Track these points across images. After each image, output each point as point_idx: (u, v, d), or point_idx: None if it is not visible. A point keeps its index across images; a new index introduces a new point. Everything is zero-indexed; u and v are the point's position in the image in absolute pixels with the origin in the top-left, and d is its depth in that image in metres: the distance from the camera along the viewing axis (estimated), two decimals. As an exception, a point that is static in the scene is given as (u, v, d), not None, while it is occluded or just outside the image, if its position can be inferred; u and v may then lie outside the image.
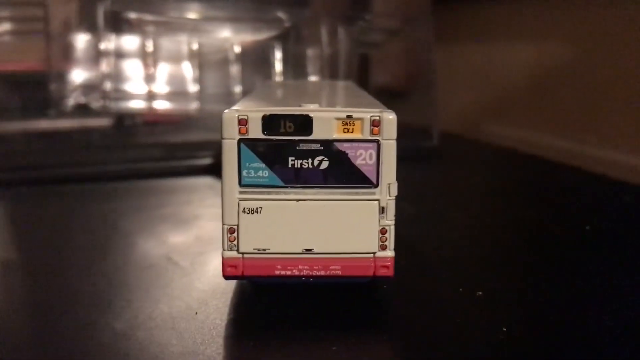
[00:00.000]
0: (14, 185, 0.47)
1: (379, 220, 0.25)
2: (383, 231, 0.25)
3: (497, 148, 0.67)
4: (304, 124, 0.24)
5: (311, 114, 0.24)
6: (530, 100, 0.69)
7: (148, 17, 0.61)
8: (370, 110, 0.24)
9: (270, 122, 0.24)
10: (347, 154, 0.24)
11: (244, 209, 0.25)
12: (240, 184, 0.24)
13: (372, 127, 0.24)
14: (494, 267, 0.32)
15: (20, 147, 0.56)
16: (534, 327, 0.25)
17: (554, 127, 0.65)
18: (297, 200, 0.25)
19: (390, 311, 0.27)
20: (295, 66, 0.65)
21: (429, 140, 0.61)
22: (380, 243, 0.25)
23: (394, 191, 0.25)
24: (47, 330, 0.25)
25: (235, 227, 0.25)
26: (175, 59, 0.62)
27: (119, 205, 0.43)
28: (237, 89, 0.63)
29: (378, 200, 0.25)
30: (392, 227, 0.25)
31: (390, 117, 0.24)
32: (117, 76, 0.60)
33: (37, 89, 0.58)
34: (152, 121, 0.62)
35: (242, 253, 0.25)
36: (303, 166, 0.24)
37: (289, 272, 0.25)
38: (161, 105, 0.62)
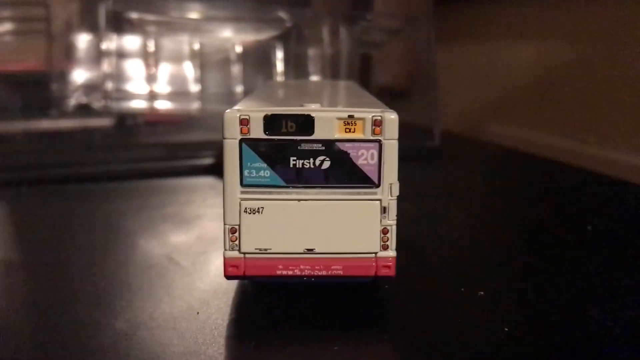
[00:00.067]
0: (15, 185, 0.47)
1: (381, 220, 0.25)
2: (385, 231, 0.25)
3: (498, 148, 0.67)
4: (306, 123, 0.24)
5: (313, 114, 0.24)
6: (531, 100, 0.69)
7: (149, 17, 0.61)
8: (372, 110, 0.24)
9: (271, 122, 0.24)
10: (348, 153, 0.24)
11: (246, 208, 0.25)
12: (242, 184, 0.24)
13: (373, 127, 0.24)
14: (495, 267, 0.32)
15: (22, 147, 0.56)
16: (535, 328, 0.25)
17: (555, 127, 0.65)
18: (299, 200, 0.25)
19: (392, 311, 0.27)
20: (296, 66, 0.65)
21: (430, 140, 0.61)
22: (382, 243, 0.25)
23: (396, 191, 0.25)
24: (48, 330, 0.25)
25: (237, 227, 0.25)
26: (177, 58, 0.62)
27: (121, 205, 0.44)
28: (239, 88, 0.63)
29: (380, 200, 0.25)
30: (394, 227, 0.25)
31: (391, 117, 0.24)
32: (118, 76, 0.60)
33: (39, 89, 0.58)
34: (154, 121, 0.62)
35: (244, 253, 0.25)
36: (305, 166, 0.24)
37: (290, 272, 0.25)
38: (163, 105, 0.62)
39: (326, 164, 0.24)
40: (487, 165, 0.61)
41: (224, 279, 0.26)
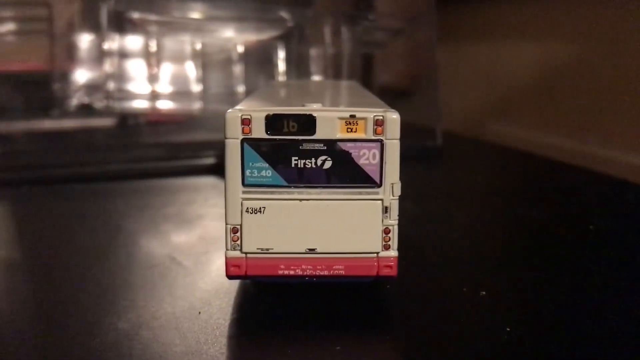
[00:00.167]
0: (17, 185, 0.47)
1: (383, 220, 0.25)
2: (386, 231, 0.25)
3: (500, 147, 0.67)
4: (308, 123, 0.24)
5: (314, 114, 0.24)
6: (534, 100, 0.69)
7: (151, 17, 0.61)
8: (374, 109, 0.24)
9: (273, 122, 0.24)
10: (350, 153, 0.24)
11: (247, 208, 0.25)
12: (244, 184, 0.24)
13: (375, 127, 0.24)
14: (498, 267, 0.32)
15: (24, 147, 0.56)
16: (537, 327, 0.25)
17: (557, 127, 0.65)
18: (301, 200, 0.25)
19: (393, 311, 0.27)
20: (298, 66, 0.65)
21: (432, 140, 0.61)
22: (384, 243, 0.25)
23: (398, 191, 0.25)
24: (51, 330, 0.25)
25: (239, 226, 0.25)
26: (179, 58, 0.62)
27: (122, 205, 0.44)
28: (240, 88, 0.63)
29: (381, 200, 0.25)
30: (396, 227, 0.25)
31: (393, 117, 0.24)
32: (120, 76, 0.60)
33: (41, 89, 0.58)
34: (156, 121, 0.62)
35: (246, 253, 0.25)
36: (306, 166, 0.24)
37: (292, 272, 0.25)
38: (164, 105, 0.62)
39: (328, 164, 0.24)
40: (489, 165, 0.61)
41: (226, 278, 0.26)
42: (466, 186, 0.52)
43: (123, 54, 0.60)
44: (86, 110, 0.59)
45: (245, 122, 0.24)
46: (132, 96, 0.61)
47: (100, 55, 0.59)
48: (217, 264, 0.31)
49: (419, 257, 0.33)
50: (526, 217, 0.41)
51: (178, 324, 0.25)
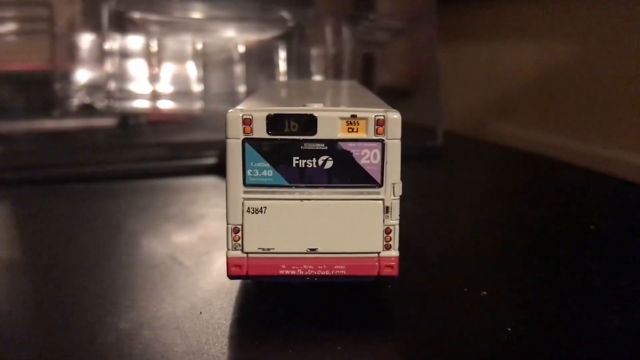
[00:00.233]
0: (18, 185, 0.47)
1: (384, 220, 0.25)
2: (387, 231, 0.25)
3: (501, 147, 0.67)
4: (309, 123, 0.24)
5: (315, 114, 0.24)
6: (535, 100, 0.69)
7: (152, 17, 0.61)
8: (375, 109, 0.24)
9: (274, 122, 0.24)
10: (351, 153, 0.24)
11: (249, 208, 0.25)
12: (245, 184, 0.24)
13: (376, 127, 0.24)
14: (499, 267, 0.32)
15: (25, 147, 0.56)
16: (538, 328, 0.25)
17: (558, 126, 0.65)
18: (302, 199, 0.25)
19: (395, 311, 0.27)
20: (299, 66, 0.65)
21: (433, 140, 0.61)
22: (385, 243, 0.25)
23: (399, 191, 0.25)
24: (52, 330, 0.25)
25: (240, 226, 0.25)
26: (180, 58, 0.62)
27: (124, 205, 0.44)
28: (241, 88, 0.63)
29: (382, 199, 0.25)
30: (397, 227, 0.25)
31: (394, 117, 0.24)
32: (121, 76, 0.60)
33: (42, 89, 0.58)
34: (157, 121, 0.62)
35: (247, 253, 0.25)
36: (307, 166, 0.24)
37: (293, 272, 0.25)
38: (165, 105, 0.62)
39: (329, 164, 0.24)
40: (490, 164, 0.61)
41: (227, 278, 0.26)
42: (467, 186, 0.52)
43: (124, 54, 0.60)
44: (87, 110, 0.60)
45: (247, 122, 0.24)
46: (133, 96, 0.61)
47: (101, 55, 0.59)
48: (218, 264, 0.31)
49: (420, 257, 0.33)
50: (527, 217, 0.41)
51: (179, 324, 0.25)
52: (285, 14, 0.63)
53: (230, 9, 0.62)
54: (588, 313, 0.26)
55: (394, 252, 0.25)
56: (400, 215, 0.25)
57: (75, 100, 0.59)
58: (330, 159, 0.24)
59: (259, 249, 0.25)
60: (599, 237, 0.36)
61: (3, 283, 0.31)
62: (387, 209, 0.25)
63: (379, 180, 0.25)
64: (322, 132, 0.24)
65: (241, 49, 0.63)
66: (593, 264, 0.32)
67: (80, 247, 0.35)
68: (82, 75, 0.60)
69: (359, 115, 0.24)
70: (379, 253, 0.25)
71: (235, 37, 0.63)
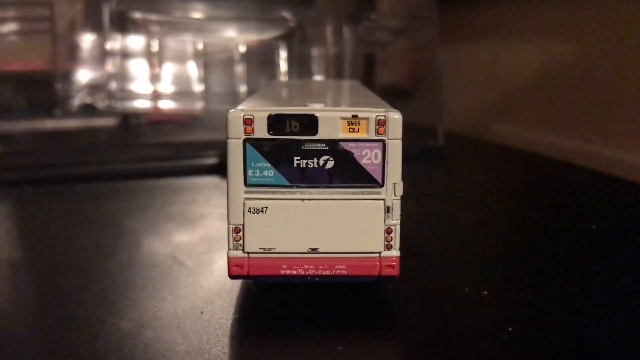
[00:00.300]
0: (19, 184, 0.47)
1: (385, 220, 0.25)
2: (388, 231, 0.25)
3: (502, 147, 0.67)
4: (310, 123, 0.24)
5: (316, 114, 0.24)
6: (536, 100, 0.69)
7: (153, 17, 0.61)
8: (376, 109, 0.24)
9: (275, 122, 0.24)
10: (352, 153, 0.24)
11: (250, 208, 0.25)
12: (246, 184, 0.25)
13: (377, 127, 0.24)
14: (500, 267, 0.32)
15: (26, 147, 0.56)
16: (539, 327, 0.25)
17: (559, 127, 0.65)
18: (303, 199, 0.25)
19: (396, 311, 0.27)
20: (300, 66, 0.65)
21: (434, 140, 0.61)
22: (386, 243, 0.25)
23: (400, 191, 0.25)
24: (53, 330, 0.25)
25: (241, 226, 0.25)
26: (181, 58, 0.62)
27: (125, 205, 0.44)
28: (242, 88, 0.63)
29: (383, 199, 0.25)
30: (398, 227, 0.25)
31: (395, 117, 0.24)
32: (122, 76, 0.60)
33: (43, 89, 0.58)
34: (158, 121, 0.62)
35: (248, 252, 0.25)
36: (308, 166, 0.24)
37: (294, 272, 0.25)
38: (166, 104, 0.62)
39: (330, 164, 0.24)
40: (491, 165, 0.61)
41: (228, 278, 0.26)
42: (468, 186, 0.52)
43: (125, 54, 0.60)
44: (88, 110, 0.60)
45: (248, 122, 0.24)
46: (134, 96, 0.61)
47: (102, 55, 0.59)
48: (220, 264, 0.31)
49: (421, 256, 0.33)
50: (527, 217, 0.41)
51: (180, 324, 0.25)
52: (286, 14, 0.63)
53: (231, 8, 0.62)
54: (588, 313, 0.26)
55: (395, 252, 0.25)
56: (401, 215, 0.25)
57: (76, 100, 0.59)
58: (331, 159, 0.24)
59: (260, 248, 0.25)
60: (599, 237, 0.36)
61: (3, 283, 0.31)
62: (388, 209, 0.25)
63: (380, 180, 0.25)
64: (323, 132, 0.24)
65: (242, 48, 0.63)
66: (593, 264, 0.32)
67: (80, 247, 0.35)
68: (83, 75, 0.60)
69: (360, 115, 0.24)
70: (380, 253, 0.25)
71: (236, 37, 0.63)
